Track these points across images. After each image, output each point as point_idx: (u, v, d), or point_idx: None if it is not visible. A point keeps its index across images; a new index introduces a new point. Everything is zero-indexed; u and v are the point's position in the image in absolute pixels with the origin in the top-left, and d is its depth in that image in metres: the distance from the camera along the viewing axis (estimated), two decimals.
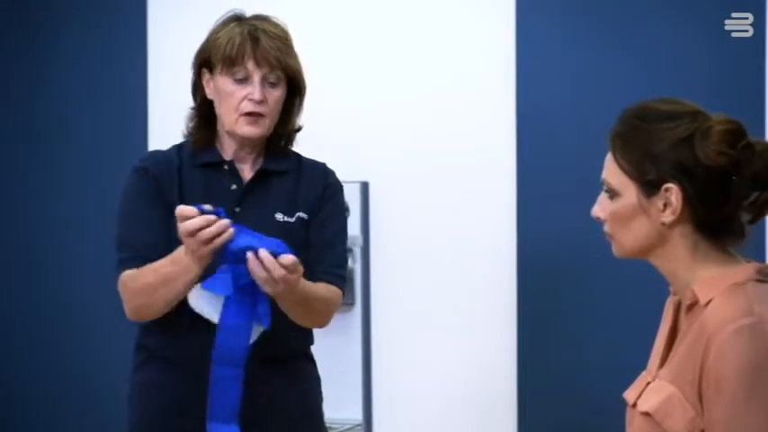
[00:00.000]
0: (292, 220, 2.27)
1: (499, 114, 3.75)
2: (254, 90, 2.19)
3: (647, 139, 1.57)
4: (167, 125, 4.08)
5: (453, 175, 3.97)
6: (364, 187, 4.14)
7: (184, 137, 2.34)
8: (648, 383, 1.64)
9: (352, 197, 4.11)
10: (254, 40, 2.19)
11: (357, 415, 3.82)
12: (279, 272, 2.00)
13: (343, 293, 2.31)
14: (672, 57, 3.37)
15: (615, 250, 1.66)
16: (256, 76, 2.20)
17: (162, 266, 2.14)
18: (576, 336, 3.69)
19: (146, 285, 2.16)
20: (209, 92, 2.26)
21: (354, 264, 3.99)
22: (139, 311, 2.23)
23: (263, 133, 2.25)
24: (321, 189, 2.35)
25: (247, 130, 2.22)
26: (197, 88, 2.31)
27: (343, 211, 2.40)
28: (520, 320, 3.75)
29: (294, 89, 2.31)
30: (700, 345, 1.51)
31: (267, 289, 2.03)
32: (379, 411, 3.85)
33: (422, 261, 4.03)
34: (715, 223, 1.56)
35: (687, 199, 1.54)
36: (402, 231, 4.07)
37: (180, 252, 2.09)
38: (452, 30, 3.82)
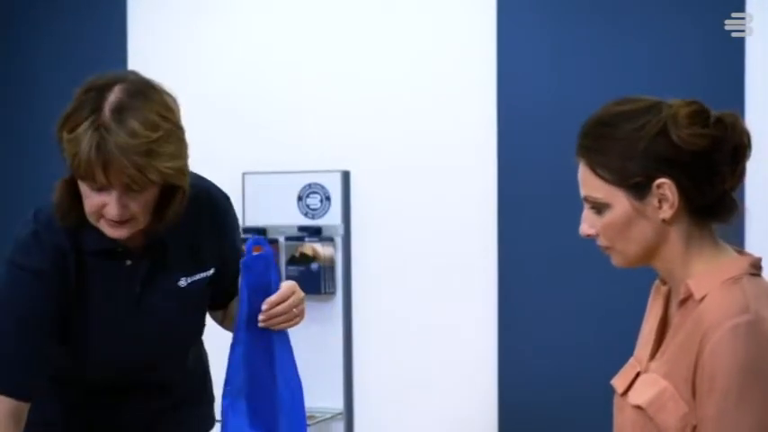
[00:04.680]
0: (196, 278, 2.04)
1: (480, 106, 3.76)
2: (111, 207, 1.83)
3: (621, 143, 1.54)
4: None
5: (434, 165, 3.98)
6: (345, 177, 4.14)
7: (55, 211, 1.94)
8: (638, 374, 1.62)
9: (333, 187, 4.12)
10: (104, 159, 1.78)
11: (338, 404, 3.83)
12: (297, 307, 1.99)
13: None
14: (672, 57, 3.39)
15: (617, 261, 1.62)
16: (113, 191, 1.82)
17: None
18: (554, 321, 3.71)
19: None
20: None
21: (335, 253, 4.00)
22: None
23: (134, 232, 1.90)
24: (216, 224, 2.10)
25: (110, 232, 1.88)
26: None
27: (235, 221, 2.17)
28: (500, 309, 3.76)
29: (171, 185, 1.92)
30: (694, 341, 1.50)
31: (288, 326, 2.00)
32: (360, 400, 3.86)
33: (402, 250, 4.03)
34: (710, 204, 1.55)
35: (681, 189, 1.53)
36: (383, 221, 4.07)
37: None
38: (435, 23, 3.83)
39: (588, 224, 1.60)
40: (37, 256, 1.92)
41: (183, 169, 1.88)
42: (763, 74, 3.42)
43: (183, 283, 2.01)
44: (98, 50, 4.18)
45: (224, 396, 1.98)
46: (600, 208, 1.58)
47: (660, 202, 1.54)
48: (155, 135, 1.80)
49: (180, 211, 1.93)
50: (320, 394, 3.72)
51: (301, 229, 4.08)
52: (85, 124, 1.80)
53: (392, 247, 4.06)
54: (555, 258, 3.63)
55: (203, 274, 2.04)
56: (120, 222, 1.85)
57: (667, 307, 1.64)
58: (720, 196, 1.55)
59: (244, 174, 4.26)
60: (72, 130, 1.81)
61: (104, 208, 1.83)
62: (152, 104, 1.84)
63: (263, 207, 4.15)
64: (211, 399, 2.21)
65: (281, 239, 4.09)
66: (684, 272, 1.57)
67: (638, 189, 1.54)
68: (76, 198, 1.89)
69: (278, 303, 1.96)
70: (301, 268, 3.97)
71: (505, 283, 3.77)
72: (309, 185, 4.13)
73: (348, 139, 4.16)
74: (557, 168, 3.51)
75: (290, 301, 1.98)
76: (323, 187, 4.12)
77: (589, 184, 1.58)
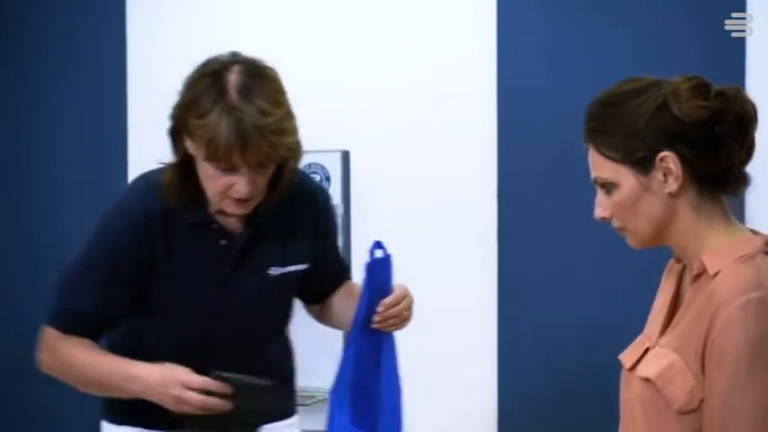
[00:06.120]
0: (287, 270, 2.10)
1: (480, 84, 3.76)
2: (241, 185, 1.90)
3: (624, 120, 1.57)
4: (146, 114, 4.13)
5: (434, 145, 3.99)
6: (345, 156, 4.15)
7: (162, 186, 2.01)
8: (648, 349, 1.64)
9: (333, 166, 4.14)
10: (243, 141, 1.83)
11: None
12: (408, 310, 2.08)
13: None
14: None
15: (632, 241, 1.65)
16: (244, 169, 1.89)
17: (106, 366, 1.98)
18: (555, 302, 3.73)
19: (74, 368, 2.01)
20: (190, 149, 1.95)
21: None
22: (50, 371, 2.07)
23: (251, 209, 1.98)
24: (315, 225, 2.15)
25: (233, 210, 1.96)
26: (175, 138, 1.99)
27: (335, 224, 2.25)
28: (500, 290, 3.79)
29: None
30: (706, 315, 1.51)
31: (398, 328, 2.09)
32: None
33: (403, 230, 4.05)
34: (716, 175, 1.57)
35: (684, 160, 1.55)
36: (383, 200, 4.09)
37: (143, 377, 1.94)
38: (435, 3, 3.81)
39: (602, 207, 1.63)
40: (126, 222, 1.99)
41: (301, 143, 1.98)
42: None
43: (273, 271, 2.07)
44: (97, 41, 4.19)
45: (332, 391, 2.06)
46: (609, 188, 1.60)
47: (665, 175, 1.56)
48: (281, 112, 1.89)
49: (290, 185, 2.03)
50: (317, 374, 3.76)
51: None
52: (216, 109, 1.85)
53: (392, 227, 4.07)
54: (555, 239, 3.65)
55: (295, 268, 2.10)
56: (245, 200, 1.92)
57: (680, 284, 1.66)
58: (727, 168, 1.56)
59: None
60: (201, 116, 1.86)
61: (232, 187, 1.90)
62: (271, 83, 1.94)
63: None
64: (292, 391, 2.28)
65: None
66: (698, 246, 1.58)
67: (643, 164, 1.56)
68: (187, 180, 1.97)
69: (393, 305, 2.05)
70: None
71: (505, 263, 3.79)
72: (309, 166, 4.13)
73: (348, 119, 4.16)
74: (557, 148, 3.56)
75: (404, 303, 2.08)
76: (323, 167, 4.13)
77: (597, 165, 1.61)
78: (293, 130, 1.92)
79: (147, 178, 2.04)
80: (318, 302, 2.24)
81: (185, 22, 4.15)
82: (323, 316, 2.27)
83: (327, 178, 4.11)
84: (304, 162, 4.18)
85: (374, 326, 2.05)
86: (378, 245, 2.07)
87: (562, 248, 3.66)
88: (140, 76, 4.21)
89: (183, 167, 1.96)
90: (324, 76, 3.95)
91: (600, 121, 1.60)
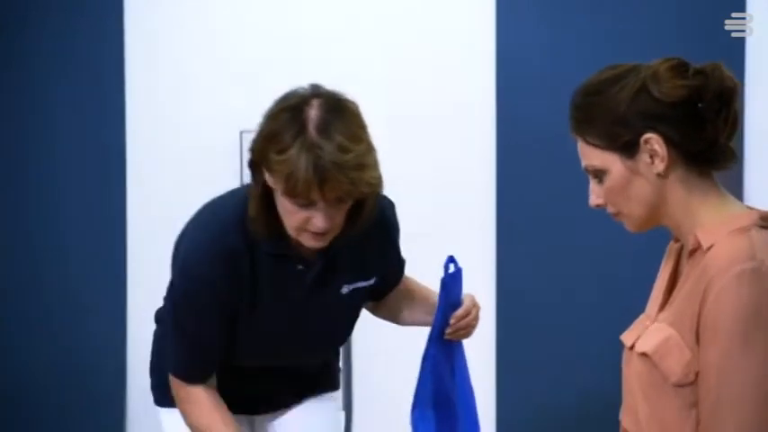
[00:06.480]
0: (358, 286, 2.15)
1: (479, 54, 3.76)
2: (318, 220, 1.91)
3: (606, 107, 1.59)
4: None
5: (432, 116, 3.95)
6: None
7: (239, 219, 2.03)
8: (647, 327, 1.65)
9: None
10: (322, 177, 1.84)
11: None
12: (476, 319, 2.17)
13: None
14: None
15: (628, 225, 1.67)
16: (321, 204, 1.90)
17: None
18: (553, 257, 3.75)
19: (196, 425, 2.13)
20: (269, 181, 1.96)
21: None
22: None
23: (328, 242, 2.00)
24: (385, 242, 2.20)
25: (310, 243, 1.97)
26: (254, 170, 2.02)
27: (398, 230, 2.26)
28: (499, 248, 3.83)
29: None
30: (700, 288, 1.52)
31: (467, 336, 2.18)
32: (359, 359, 3.88)
33: (399, 203, 4.04)
34: (702, 153, 1.58)
35: (669, 141, 1.56)
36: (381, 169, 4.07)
37: None
38: None
39: (595, 195, 1.66)
40: (214, 265, 2.00)
41: (382, 177, 1.97)
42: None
43: (345, 290, 2.12)
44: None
45: (413, 407, 2.15)
46: (599, 176, 1.63)
47: (651, 157, 1.57)
48: (360, 148, 1.89)
49: (371, 217, 2.05)
50: None
51: None
52: (296, 145, 1.86)
53: (390, 194, 4.06)
54: (553, 189, 3.68)
55: (365, 284, 2.14)
56: (322, 233, 1.94)
57: (678, 263, 1.68)
58: (713, 144, 1.57)
59: (242, 132, 4.23)
60: (281, 152, 1.88)
61: (310, 221, 1.92)
62: (350, 117, 1.95)
63: None
64: (337, 369, 2.40)
65: None
66: (692, 222, 1.60)
67: (628, 148, 1.58)
68: (268, 210, 1.98)
69: (464, 317, 2.14)
70: None
71: (504, 225, 3.81)
72: None
73: (344, 87, 4.12)
74: (555, 124, 3.54)
75: (474, 313, 2.17)
76: None
77: (585, 154, 1.64)
78: (373, 165, 1.92)
79: (218, 211, 2.07)
80: (377, 300, 2.31)
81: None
82: (377, 309, 2.34)
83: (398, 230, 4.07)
84: None
85: (446, 337, 2.15)
86: (451, 259, 2.13)
87: (560, 200, 3.66)
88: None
89: (264, 199, 1.98)
90: (322, 54, 3.91)
91: (583, 110, 1.63)
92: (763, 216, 1.58)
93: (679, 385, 1.54)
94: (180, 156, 4.32)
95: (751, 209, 1.62)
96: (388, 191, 2.03)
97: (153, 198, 4.28)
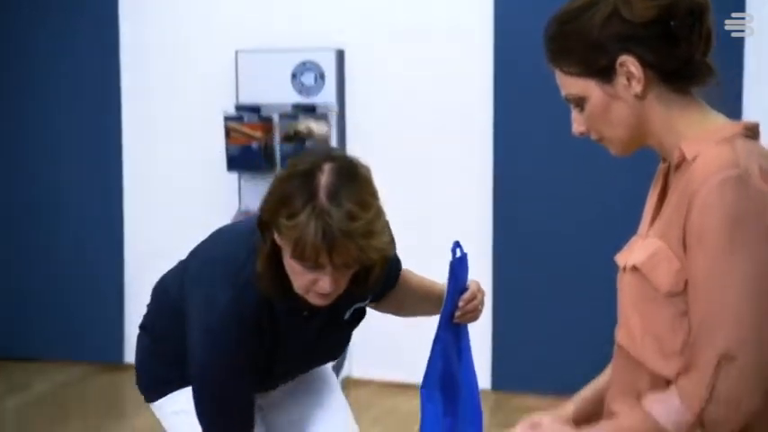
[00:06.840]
0: (358, 306, 2.22)
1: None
2: (325, 282, 1.96)
3: (579, 35, 1.60)
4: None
5: (430, 43, 4.01)
6: (340, 55, 4.18)
7: (252, 277, 2.07)
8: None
9: (327, 64, 4.17)
10: (330, 244, 1.88)
11: None
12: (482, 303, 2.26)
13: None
14: None
15: (613, 150, 1.68)
16: (329, 269, 1.95)
17: None
18: (549, 226, 3.90)
19: None
20: (278, 241, 1.99)
21: (330, 130, 4.12)
22: None
23: (333, 300, 2.06)
24: (380, 269, 2.16)
25: (316, 302, 2.03)
26: (263, 229, 2.03)
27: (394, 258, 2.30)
28: (495, 192, 3.99)
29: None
30: (685, 197, 1.53)
31: (473, 319, 2.27)
32: None
33: (396, 127, 4.15)
34: (679, 70, 1.58)
35: (644, 62, 1.57)
36: (377, 99, 4.16)
37: None
38: None
39: (577, 123, 1.67)
40: (242, 324, 2.06)
41: (392, 241, 2.05)
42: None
43: (347, 315, 2.22)
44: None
45: (422, 387, 2.22)
46: (580, 103, 1.64)
47: (628, 79, 1.58)
48: (369, 215, 1.91)
49: (382, 276, 2.11)
50: None
51: (295, 107, 4.16)
52: (306, 211, 1.89)
53: (386, 124, 4.17)
54: (552, 134, 3.76)
55: (362, 303, 2.24)
56: (328, 294, 1.99)
57: (666, 182, 1.68)
58: (688, 61, 1.58)
59: (237, 51, 4.25)
60: (291, 217, 1.91)
61: (316, 283, 1.97)
62: (361, 183, 1.96)
63: (257, 85, 4.21)
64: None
65: (276, 117, 4.18)
66: (675, 138, 1.61)
67: (605, 73, 1.60)
68: (276, 269, 2.02)
69: (471, 301, 2.24)
70: (296, 146, 4.09)
71: (501, 166, 3.92)
72: (304, 63, 4.17)
73: (342, 16, 4.15)
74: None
75: (480, 297, 2.26)
76: (317, 65, 4.16)
77: (564, 83, 1.65)
78: (382, 231, 1.95)
79: (230, 267, 2.10)
80: (377, 301, 2.38)
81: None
82: (377, 307, 2.42)
83: (322, 76, 4.15)
84: (299, 60, 4.24)
85: (455, 321, 2.24)
86: (457, 244, 2.20)
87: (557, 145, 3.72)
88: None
89: (273, 257, 2.02)
90: None
91: (557, 40, 1.64)
92: (747, 126, 1.59)
93: (670, 295, 1.56)
94: (175, 77, 4.34)
95: (736, 123, 1.62)
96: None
97: (146, 121, 4.36)
